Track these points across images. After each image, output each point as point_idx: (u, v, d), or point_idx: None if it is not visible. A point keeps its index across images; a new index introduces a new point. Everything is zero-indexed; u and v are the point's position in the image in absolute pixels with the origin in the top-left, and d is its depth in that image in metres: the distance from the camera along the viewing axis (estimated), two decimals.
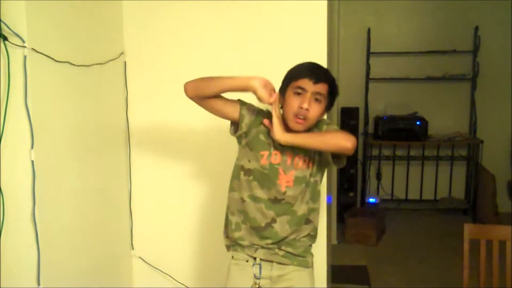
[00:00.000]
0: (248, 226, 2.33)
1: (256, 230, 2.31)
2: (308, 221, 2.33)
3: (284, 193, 2.26)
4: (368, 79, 6.40)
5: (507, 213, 6.01)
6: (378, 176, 6.58)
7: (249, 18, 3.03)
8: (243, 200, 2.32)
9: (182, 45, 3.13)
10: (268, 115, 2.27)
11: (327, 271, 3.11)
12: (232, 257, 2.40)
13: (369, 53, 6.37)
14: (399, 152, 6.52)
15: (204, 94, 2.31)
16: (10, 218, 2.19)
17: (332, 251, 3.80)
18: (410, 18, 6.41)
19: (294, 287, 2.32)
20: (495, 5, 6.08)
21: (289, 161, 2.26)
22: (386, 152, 6.52)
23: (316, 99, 2.16)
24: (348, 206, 5.88)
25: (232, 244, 2.39)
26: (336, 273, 4.05)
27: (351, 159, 6.09)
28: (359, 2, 6.34)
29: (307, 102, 2.14)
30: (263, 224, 2.29)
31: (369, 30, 6.33)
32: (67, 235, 2.58)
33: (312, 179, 2.30)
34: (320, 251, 3.00)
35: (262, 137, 2.29)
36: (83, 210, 2.74)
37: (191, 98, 2.35)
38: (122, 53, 3.14)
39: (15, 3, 2.15)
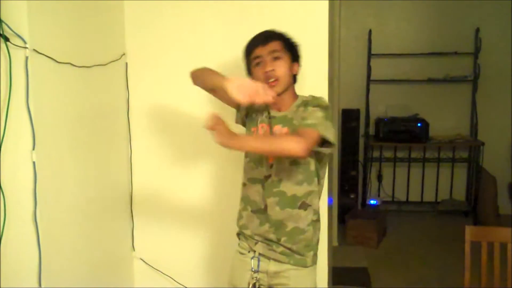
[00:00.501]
0: (249, 211, 2.38)
1: (256, 213, 2.34)
2: (304, 205, 2.29)
3: (271, 166, 2.28)
4: (369, 80, 6.40)
5: (508, 215, 6.01)
6: (379, 178, 6.59)
7: (250, 20, 3.02)
8: (244, 185, 2.42)
9: (183, 47, 3.14)
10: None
11: (327, 273, 3.11)
12: (238, 244, 2.48)
13: (370, 55, 6.37)
14: (400, 154, 6.52)
15: (200, 86, 2.44)
16: (11, 219, 2.19)
17: (333, 252, 3.79)
18: (411, 20, 6.41)
19: (290, 285, 2.31)
20: (496, 7, 6.08)
21: (277, 132, 2.28)
22: (387, 154, 6.52)
23: (275, 58, 2.24)
24: (349, 208, 5.88)
25: (238, 233, 2.48)
26: (336, 275, 4.04)
27: (352, 161, 6.12)
28: (360, 4, 6.35)
29: (267, 64, 2.24)
30: (262, 206, 2.32)
31: (370, 31, 6.34)
32: (68, 236, 2.58)
33: (302, 159, 2.25)
34: (321, 252, 2.98)
35: (254, 115, 2.39)
36: (84, 211, 2.73)
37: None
38: (124, 54, 3.14)
39: (17, 4, 2.15)
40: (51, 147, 2.38)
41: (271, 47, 2.25)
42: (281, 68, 2.24)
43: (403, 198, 6.55)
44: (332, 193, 3.87)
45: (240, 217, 2.44)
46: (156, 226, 3.32)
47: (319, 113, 2.16)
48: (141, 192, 3.30)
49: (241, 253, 2.44)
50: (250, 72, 2.34)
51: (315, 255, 2.38)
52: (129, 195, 3.27)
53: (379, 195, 6.55)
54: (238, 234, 2.48)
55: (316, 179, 2.32)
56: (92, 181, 2.82)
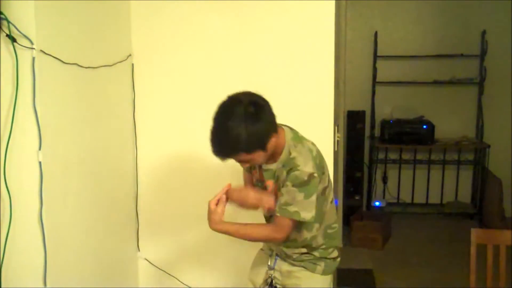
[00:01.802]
0: None
1: None
2: (307, 246, 2.36)
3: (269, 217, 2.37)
4: (374, 82, 6.39)
5: None
6: (384, 180, 6.57)
7: (257, 22, 3.03)
8: None
9: (189, 48, 3.14)
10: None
11: (332, 275, 3.10)
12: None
13: (376, 57, 6.35)
14: (405, 156, 6.50)
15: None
16: (17, 219, 2.20)
17: None
18: (417, 22, 6.39)
19: (301, 286, 2.36)
20: (502, 9, 6.05)
21: (268, 186, 2.32)
22: (393, 155, 6.51)
23: (244, 162, 2.18)
24: (354, 210, 5.86)
25: None
26: (341, 276, 4.04)
27: (357, 162, 6.11)
28: (366, 6, 6.34)
29: (242, 165, 2.29)
30: None
31: (376, 33, 6.32)
32: (74, 236, 2.58)
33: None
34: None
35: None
36: (90, 212, 2.74)
37: None
38: (130, 55, 3.15)
39: (24, 4, 2.16)
40: (57, 147, 2.39)
41: (235, 161, 2.17)
42: (255, 160, 2.17)
43: (408, 200, 6.53)
44: (337, 194, 3.86)
45: None
46: (161, 226, 3.33)
47: (297, 195, 2.14)
48: (146, 193, 3.30)
49: (262, 250, 2.56)
50: None
51: (328, 266, 2.41)
52: (134, 195, 3.28)
53: (384, 197, 6.53)
54: None
55: (316, 224, 2.30)
56: (97, 182, 2.83)
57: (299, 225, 2.24)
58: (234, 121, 2.04)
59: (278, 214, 2.17)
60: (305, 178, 2.12)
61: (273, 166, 2.25)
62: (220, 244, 3.29)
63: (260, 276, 2.48)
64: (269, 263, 2.45)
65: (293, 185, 2.13)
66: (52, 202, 2.32)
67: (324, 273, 2.37)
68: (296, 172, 2.13)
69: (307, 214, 2.14)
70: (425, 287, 4.41)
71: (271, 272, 2.43)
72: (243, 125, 2.03)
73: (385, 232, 5.52)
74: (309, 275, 2.35)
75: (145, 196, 3.31)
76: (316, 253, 2.37)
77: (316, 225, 2.29)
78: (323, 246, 2.37)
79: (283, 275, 2.41)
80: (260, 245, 2.61)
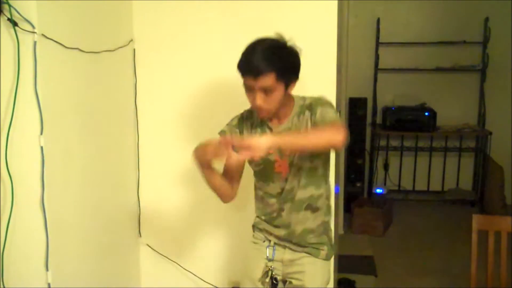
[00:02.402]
0: (262, 219, 2.41)
1: (269, 222, 2.38)
2: (311, 207, 2.29)
3: (286, 179, 2.26)
4: (377, 69, 6.38)
5: None
6: (386, 167, 6.57)
7: (258, 5, 3.01)
8: (261, 198, 2.40)
9: (191, 34, 3.13)
10: (244, 114, 2.35)
11: (334, 261, 3.11)
12: (253, 235, 2.47)
13: (378, 43, 6.34)
14: (407, 143, 6.50)
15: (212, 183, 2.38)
16: (19, 204, 2.20)
17: (339, 241, 3.80)
18: (420, 8, 6.37)
19: (305, 272, 2.32)
20: None
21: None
22: (394, 142, 6.51)
23: (266, 91, 2.07)
24: (355, 196, 5.88)
25: (254, 224, 2.48)
26: (342, 263, 4.06)
27: (359, 149, 6.10)
28: None
29: (257, 98, 2.08)
30: (274, 215, 2.33)
31: (378, 20, 6.30)
32: (76, 221, 2.59)
33: (308, 164, 2.23)
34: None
35: (253, 131, 2.31)
36: (91, 197, 2.74)
37: None
38: (132, 40, 3.14)
39: None
40: (59, 132, 2.38)
41: (262, 82, 2.04)
42: (272, 102, 2.10)
43: (410, 187, 6.54)
44: (338, 181, 3.87)
45: (256, 216, 2.47)
46: (163, 212, 3.33)
47: (331, 112, 2.14)
48: (147, 178, 3.30)
49: (255, 243, 2.44)
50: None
51: (330, 249, 2.38)
52: (136, 180, 3.28)
53: (385, 184, 6.54)
54: (253, 226, 2.48)
55: (323, 182, 2.32)
56: (99, 166, 2.83)
57: (311, 175, 2.24)
58: (277, 41, 2.12)
59: (327, 121, 2.10)
60: (329, 100, 2.22)
61: (285, 123, 2.22)
62: (221, 230, 3.30)
63: (258, 270, 2.38)
64: (267, 255, 2.37)
65: (322, 106, 2.16)
66: (54, 187, 2.33)
67: (327, 257, 2.36)
68: (323, 99, 2.21)
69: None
70: (425, 274, 4.42)
71: (270, 263, 2.36)
72: (286, 47, 2.12)
73: (386, 219, 5.53)
74: (312, 261, 2.32)
75: (147, 182, 3.31)
76: (325, 237, 2.35)
77: (323, 183, 2.31)
78: (327, 219, 2.36)
79: (285, 265, 2.35)
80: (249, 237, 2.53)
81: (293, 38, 2.16)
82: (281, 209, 2.30)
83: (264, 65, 2.03)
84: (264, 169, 2.29)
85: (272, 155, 2.22)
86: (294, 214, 2.29)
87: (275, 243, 2.37)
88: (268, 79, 2.04)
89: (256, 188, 2.41)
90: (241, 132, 2.32)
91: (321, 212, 2.33)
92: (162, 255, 3.33)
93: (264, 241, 2.40)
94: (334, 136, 2.01)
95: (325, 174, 2.34)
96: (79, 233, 2.63)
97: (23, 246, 2.26)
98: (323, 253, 2.34)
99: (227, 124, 2.37)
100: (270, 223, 2.37)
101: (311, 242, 2.33)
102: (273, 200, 2.32)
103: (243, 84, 2.12)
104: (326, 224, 2.37)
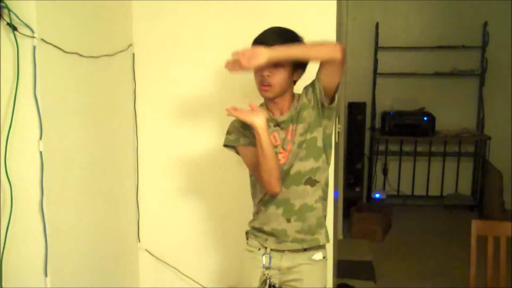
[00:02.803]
0: (258, 211, 2.37)
1: (265, 205, 2.32)
2: (311, 181, 2.27)
3: (286, 161, 2.25)
4: (375, 74, 6.38)
5: None
6: (385, 172, 6.57)
7: (257, 6, 3.02)
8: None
9: (190, 38, 3.13)
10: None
11: (332, 266, 3.11)
12: (247, 243, 2.42)
13: (377, 48, 6.35)
14: (406, 148, 6.51)
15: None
16: (18, 209, 2.20)
17: (338, 246, 3.79)
18: (418, 13, 6.38)
19: (303, 280, 2.30)
20: (504, 1, 6.03)
21: (289, 136, 2.26)
22: (393, 147, 6.51)
23: (275, 64, 2.15)
24: (354, 201, 5.87)
25: (247, 231, 2.43)
26: (341, 268, 4.05)
27: (358, 154, 6.10)
28: None
29: (265, 68, 2.15)
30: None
31: (377, 24, 6.31)
32: (75, 226, 2.58)
33: (308, 135, 2.24)
34: (326, 245, 2.99)
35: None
36: (90, 202, 2.74)
37: None
38: (131, 44, 3.14)
39: None
40: (58, 137, 2.38)
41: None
42: (278, 76, 2.17)
43: (409, 192, 6.54)
44: (337, 186, 3.87)
45: (256, 212, 2.39)
46: (162, 217, 3.33)
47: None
48: (147, 183, 3.30)
49: (250, 251, 2.39)
50: None
51: (327, 232, 2.36)
52: (135, 185, 3.27)
53: (384, 189, 6.54)
54: (247, 233, 2.44)
55: (324, 155, 2.29)
56: (98, 171, 2.82)
57: (310, 146, 2.25)
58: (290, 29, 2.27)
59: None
60: None
61: (287, 114, 2.26)
62: (221, 235, 3.30)
63: (255, 278, 2.34)
64: (264, 263, 2.32)
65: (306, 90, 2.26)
66: (53, 192, 2.32)
67: (326, 239, 2.34)
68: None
69: None
70: (424, 279, 4.41)
71: (267, 271, 2.31)
72: (298, 35, 2.27)
73: (385, 224, 5.53)
74: (309, 269, 2.30)
75: (146, 186, 3.30)
76: (319, 208, 2.31)
77: (323, 156, 2.29)
78: (324, 195, 2.34)
79: (282, 273, 2.32)
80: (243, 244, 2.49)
81: None
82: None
83: (276, 37, 2.18)
84: None
85: (277, 147, 2.24)
86: (293, 188, 2.26)
87: (271, 250, 2.32)
88: None
89: (252, 175, 2.37)
90: (246, 130, 2.29)
91: (319, 186, 2.29)
92: (161, 260, 3.33)
93: (259, 249, 2.35)
94: (332, 48, 2.15)
95: (326, 147, 2.30)
96: (78, 239, 2.63)
97: (22, 251, 2.26)
98: (321, 238, 2.31)
99: (232, 129, 2.34)
100: (266, 211, 2.31)
101: (313, 223, 2.30)
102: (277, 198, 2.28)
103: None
104: (323, 202, 2.34)
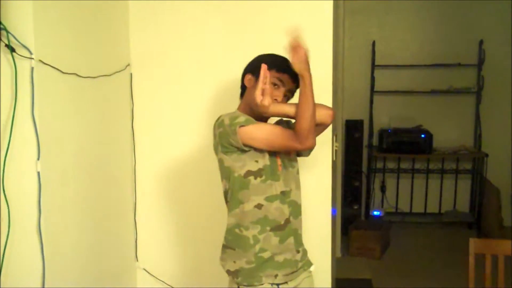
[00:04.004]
0: (268, 231, 2.21)
1: (275, 231, 2.21)
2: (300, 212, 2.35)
3: (283, 182, 2.26)
4: (372, 91, 6.41)
5: None
6: (383, 189, 6.58)
7: (255, 28, 3.04)
8: (260, 206, 2.20)
9: (188, 58, 3.15)
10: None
11: (331, 284, 3.10)
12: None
13: (373, 66, 6.37)
14: (403, 165, 6.51)
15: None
16: (16, 228, 2.20)
17: (336, 264, 3.78)
18: (415, 31, 6.41)
19: None
20: (500, 18, 6.08)
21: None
22: (391, 164, 6.52)
23: (286, 95, 2.25)
24: (352, 219, 5.86)
25: (238, 269, 2.32)
26: (340, 286, 4.03)
27: (356, 171, 6.11)
28: (364, 15, 6.36)
29: (281, 96, 2.23)
30: (282, 222, 2.22)
31: (374, 42, 6.34)
32: (72, 246, 2.58)
33: (295, 165, 2.35)
34: (324, 263, 2.99)
35: None
36: (88, 222, 2.74)
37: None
38: (128, 65, 3.16)
39: (23, 14, 2.16)
40: (56, 157, 2.39)
41: (293, 86, 2.25)
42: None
43: (407, 209, 6.53)
44: (335, 203, 3.87)
45: (255, 241, 2.22)
46: (160, 236, 3.33)
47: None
48: (145, 202, 3.30)
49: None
50: (259, 74, 2.14)
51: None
52: (133, 205, 3.27)
53: (382, 206, 6.53)
54: (240, 271, 2.31)
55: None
56: (96, 191, 2.82)
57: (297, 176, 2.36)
58: None
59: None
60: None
61: None
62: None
63: None
64: None
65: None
66: (51, 212, 2.32)
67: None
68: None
69: None
70: None
71: None
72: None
73: (384, 242, 5.51)
74: (309, 281, 2.35)
75: (144, 206, 3.30)
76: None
77: None
78: None
79: None
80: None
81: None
82: (290, 214, 2.24)
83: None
84: (270, 167, 2.21)
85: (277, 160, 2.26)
86: (299, 219, 2.31)
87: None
88: (296, 87, 2.25)
89: (254, 196, 2.21)
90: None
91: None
92: (158, 279, 3.32)
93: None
94: (326, 112, 2.28)
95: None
96: (76, 258, 2.62)
97: (20, 271, 2.25)
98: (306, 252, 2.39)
99: (236, 114, 2.24)
100: (276, 232, 2.22)
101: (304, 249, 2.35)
102: (277, 203, 2.20)
103: (270, 77, 2.16)
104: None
